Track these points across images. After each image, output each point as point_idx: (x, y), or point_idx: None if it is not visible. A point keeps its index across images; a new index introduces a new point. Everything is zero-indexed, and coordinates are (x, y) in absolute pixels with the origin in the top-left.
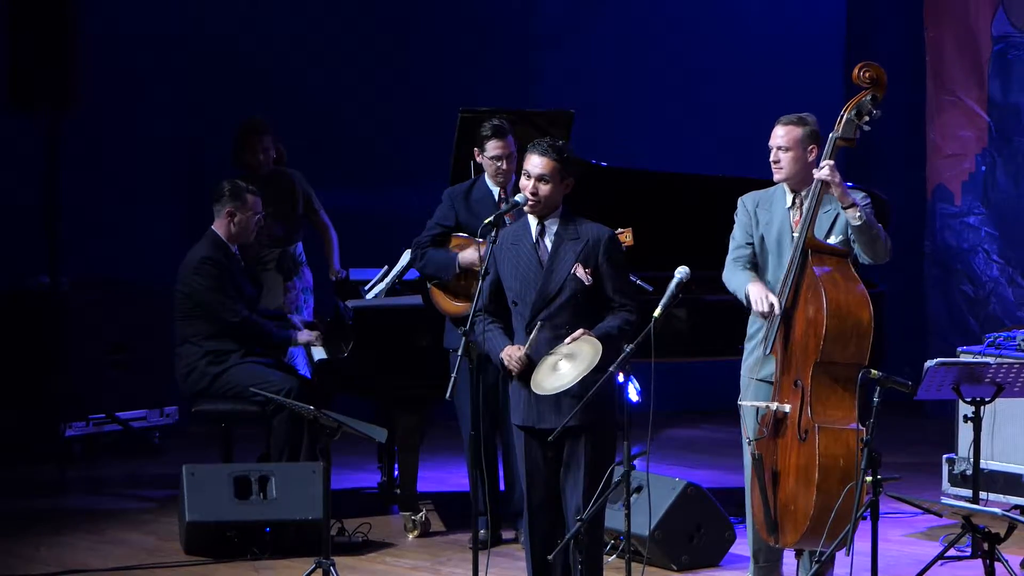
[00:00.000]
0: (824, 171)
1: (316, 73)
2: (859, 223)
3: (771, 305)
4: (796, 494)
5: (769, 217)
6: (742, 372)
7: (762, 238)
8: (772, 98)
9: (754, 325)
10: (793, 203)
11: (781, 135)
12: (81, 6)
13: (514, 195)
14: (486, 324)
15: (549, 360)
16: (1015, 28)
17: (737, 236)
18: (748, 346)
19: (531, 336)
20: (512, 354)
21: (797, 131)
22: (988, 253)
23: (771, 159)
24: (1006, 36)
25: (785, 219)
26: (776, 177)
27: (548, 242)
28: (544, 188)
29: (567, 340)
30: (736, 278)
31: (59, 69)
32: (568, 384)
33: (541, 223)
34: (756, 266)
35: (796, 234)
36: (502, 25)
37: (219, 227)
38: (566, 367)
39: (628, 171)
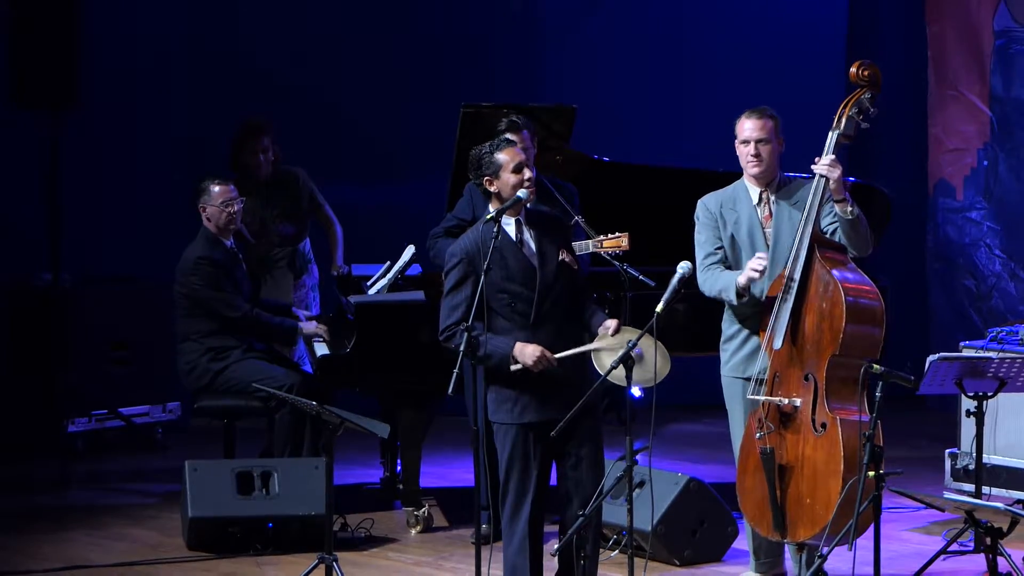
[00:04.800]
0: (826, 165)
1: (316, 72)
2: (851, 217)
3: (760, 261)
4: (814, 487)
5: (736, 216)
6: (724, 373)
7: (732, 237)
8: (773, 94)
9: (732, 326)
10: (760, 199)
11: (757, 128)
12: (82, 6)
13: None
14: (476, 333)
15: (608, 357)
16: (1017, 23)
17: (705, 241)
18: (728, 347)
19: (569, 352)
20: (545, 354)
21: (770, 123)
22: (990, 248)
23: (749, 153)
24: (1008, 31)
25: (754, 216)
26: (754, 172)
27: (529, 238)
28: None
29: (610, 334)
30: (721, 278)
31: (60, 68)
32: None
33: (518, 220)
34: (728, 269)
35: (768, 230)
36: (503, 23)
37: (205, 224)
38: (648, 363)
39: (629, 166)
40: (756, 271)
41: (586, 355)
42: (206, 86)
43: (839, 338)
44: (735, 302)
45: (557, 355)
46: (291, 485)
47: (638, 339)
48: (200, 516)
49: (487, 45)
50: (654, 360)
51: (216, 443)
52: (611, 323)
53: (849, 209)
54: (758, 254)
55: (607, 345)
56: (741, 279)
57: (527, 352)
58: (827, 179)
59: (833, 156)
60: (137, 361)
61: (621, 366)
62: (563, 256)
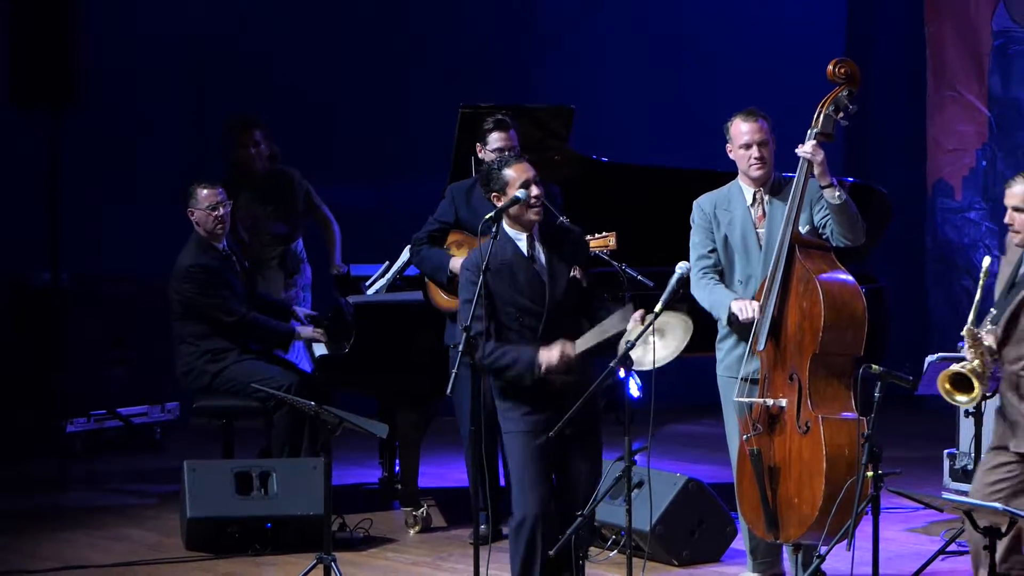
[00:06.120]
0: (808, 148)
1: (316, 72)
2: (839, 202)
3: (754, 310)
4: (800, 487)
5: (730, 217)
6: (719, 373)
7: (725, 238)
8: (772, 95)
9: (726, 327)
10: (754, 200)
11: (757, 130)
12: (82, 5)
13: None
14: (495, 344)
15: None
16: (1015, 23)
17: (699, 243)
18: (722, 346)
19: (586, 337)
20: (567, 351)
21: (766, 124)
22: (989, 248)
23: (752, 156)
24: (1007, 31)
25: (747, 217)
26: (758, 174)
27: (540, 254)
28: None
29: (642, 322)
30: (712, 295)
31: (59, 67)
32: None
33: (531, 236)
34: (721, 272)
35: (761, 230)
36: (502, 24)
37: (195, 229)
38: (660, 342)
39: (628, 167)
40: (749, 319)
41: (591, 362)
42: (206, 86)
43: (819, 337)
44: (724, 321)
45: (577, 343)
46: (290, 485)
47: (638, 338)
48: (199, 516)
49: (486, 45)
50: (676, 334)
51: (215, 443)
52: (638, 313)
53: (837, 194)
54: (752, 305)
55: (636, 333)
56: (734, 310)
57: (553, 355)
58: (810, 163)
59: (814, 141)
60: (136, 361)
61: (635, 352)
62: (574, 272)
